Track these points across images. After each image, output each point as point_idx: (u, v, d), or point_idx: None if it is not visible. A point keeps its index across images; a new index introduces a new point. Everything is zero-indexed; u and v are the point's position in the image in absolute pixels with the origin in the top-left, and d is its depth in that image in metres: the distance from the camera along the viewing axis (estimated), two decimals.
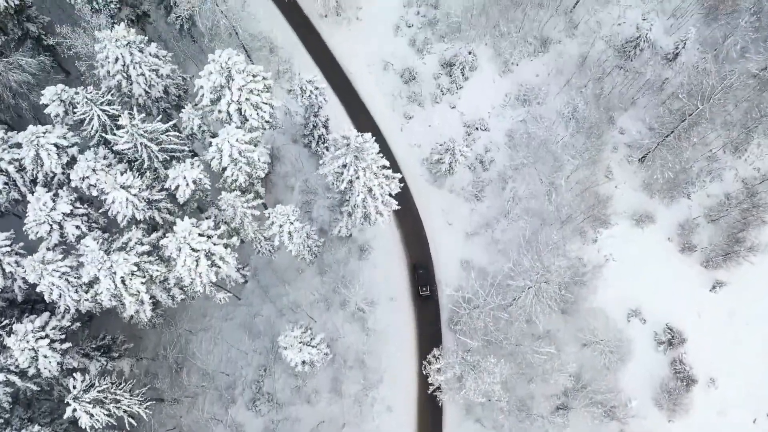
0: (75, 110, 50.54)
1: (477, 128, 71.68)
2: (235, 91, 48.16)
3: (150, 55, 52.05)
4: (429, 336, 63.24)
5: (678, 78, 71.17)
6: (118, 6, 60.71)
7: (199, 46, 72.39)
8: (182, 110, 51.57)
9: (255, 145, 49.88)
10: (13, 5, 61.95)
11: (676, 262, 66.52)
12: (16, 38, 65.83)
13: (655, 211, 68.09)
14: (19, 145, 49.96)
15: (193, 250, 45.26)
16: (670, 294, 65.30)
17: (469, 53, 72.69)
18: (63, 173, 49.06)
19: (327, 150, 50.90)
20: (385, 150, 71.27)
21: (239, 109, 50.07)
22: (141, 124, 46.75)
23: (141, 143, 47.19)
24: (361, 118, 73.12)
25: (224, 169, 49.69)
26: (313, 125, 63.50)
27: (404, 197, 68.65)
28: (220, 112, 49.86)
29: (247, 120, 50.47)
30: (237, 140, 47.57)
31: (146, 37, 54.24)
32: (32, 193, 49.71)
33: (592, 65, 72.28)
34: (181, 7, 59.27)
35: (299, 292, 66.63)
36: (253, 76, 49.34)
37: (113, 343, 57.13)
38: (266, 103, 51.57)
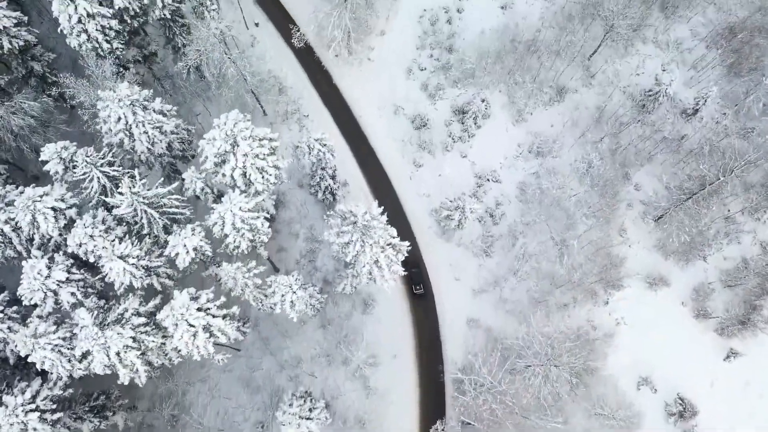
0: (75, 168, 48.97)
1: (488, 179, 69.71)
2: (240, 157, 46.42)
3: (154, 111, 50.43)
4: (433, 400, 61.37)
5: (697, 135, 69.05)
6: (124, 48, 59.02)
7: (206, 84, 70.73)
8: (187, 170, 49.65)
9: (259, 211, 48.07)
10: (17, 46, 60.48)
11: (689, 328, 64.42)
12: (21, 76, 64.41)
13: (670, 273, 65.99)
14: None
15: (191, 325, 43.54)
16: (682, 361, 63.24)
17: (483, 101, 70.82)
18: (60, 235, 47.41)
19: (333, 213, 49.11)
20: (393, 199, 69.74)
21: (244, 173, 48.31)
22: (141, 191, 45.00)
23: (141, 209, 45.43)
24: (370, 164, 71.35)
25: (226, 235, 47.91)
26: (320, 177, 61.69)
27: (411, 249, 66.80)
28: (224, 176, 48.18)
29: (251, 184, 48.67)
30: (240, 209, 45.82)
31: (151, 92, 52.68)
32: (28, 251, 48.22)
33: (609, 118, 70.14)
34: (190, 56, 57.47)
35: (300, 346, 64.91)
36: (260, 140, 47.60)
37: (108, 401, 55.49)
38: (273, 166, 49.79)
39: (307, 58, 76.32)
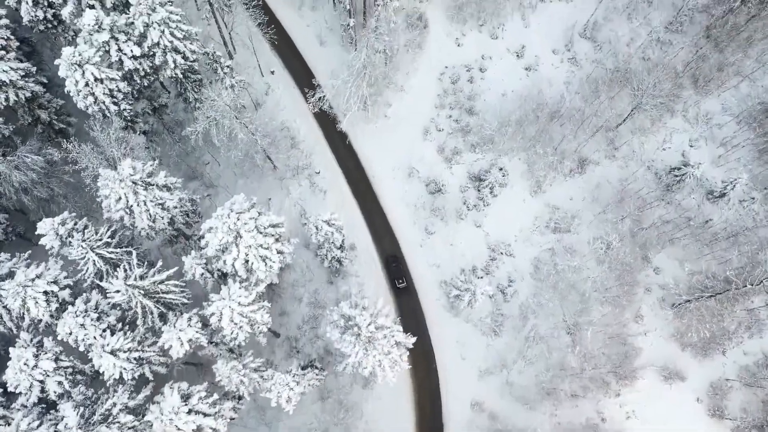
0: (71, 242, 47.03)
1: (502, 253, 67.07)
2: (243, 249, 44.16)
3: (157, 188, 48.32)
4: None
5: (724, 219, 66.07)
6: (132, 104, 57.08)
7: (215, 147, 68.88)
8: (189, 254, 47.48)
9: (259, 301, 45.83)
10: (24, 97, 58.76)
11: (704, 427, 61.53)
12: (27, 123, 62.72)
13: (686, 366, 63.13)
14: (10, 275, 46.53)
15: (180, 429, 41.37)
16: None
17: (500, 169, 68.30)
18: (51, 317, 45.42)
19: (335, 309, 46.78)
20: (403, 267, 67.23)
21: (246, 261, 46.07)
22: (137, 282, 42.85)
23: (136, 301, 43.33)
24: (380, 228, 69.04)
25: (223, 327, 45.72)
26: (328, 249, 59.38)
27: (417, 323, 64.62)
28: (225, 263, 45.89)
29: (253, 272, 46.44)
30: (239, 304, 43.58)
31: (156, 162, 50.65)
32: (18, 327, 46.31)
33: (631, 196, 67.19)
34: (199, 120, 55.37)
35: (298, 418, 62.54)
36: (265, 229, 45.27)
37: None
38: (277, 251, 47.52)
39: (322, 112, 73.90)
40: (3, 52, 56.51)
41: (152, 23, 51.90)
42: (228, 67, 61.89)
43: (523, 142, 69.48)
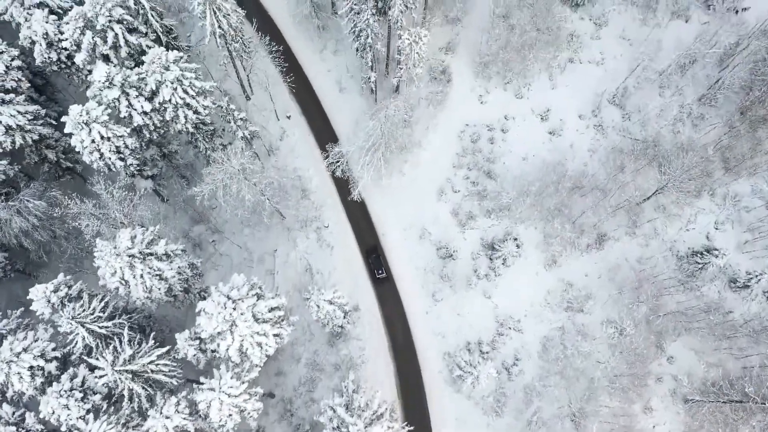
0: (64, 308, 45.38)
1: (510, 328, 64.60)
2: (237, 337, 42.20)
3: (156, 257, 46.46)
4: None
5: (745, 311, 63.13)
6: (140, 157, 55.49)
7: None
8: (180, 333, 45.68)
9: (251, 388, 43.87)
10: (31, 140, 57.38)
11: None
12: (33, 162, 61.35)
13: None
14: None
15: None
16: None
17: (515, 240, 65.90)
18: (36, 390, 43.76)
19: (333, 415, 44.49)
20: (405, 334, 65.53)
21: (241, 347, 44.11)
22: (126, 365, 41.06)
23: (124, 384, 41.53)
24: (387, 291, 66.96)
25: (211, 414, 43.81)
26: (331, 318, 57.34)
27: (417, 395, 62.44)
28: (218, 346, 43.98)
29: (247, 358, 44.48)
30: (229, 396, 41.62)
31: (157, 228, 48.88)
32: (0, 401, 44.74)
33: (650, 280, 64.40)
34: (206, 181, 53.56)
35: None
36: (262, 315, 43.28)
37: None
38: (275, 334, 45.53)
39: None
40: (12, 95, 54.83)
41: (165, 81, 50.06)
42: (241, 119, 60.03)
43: (541, 212, 66.86)
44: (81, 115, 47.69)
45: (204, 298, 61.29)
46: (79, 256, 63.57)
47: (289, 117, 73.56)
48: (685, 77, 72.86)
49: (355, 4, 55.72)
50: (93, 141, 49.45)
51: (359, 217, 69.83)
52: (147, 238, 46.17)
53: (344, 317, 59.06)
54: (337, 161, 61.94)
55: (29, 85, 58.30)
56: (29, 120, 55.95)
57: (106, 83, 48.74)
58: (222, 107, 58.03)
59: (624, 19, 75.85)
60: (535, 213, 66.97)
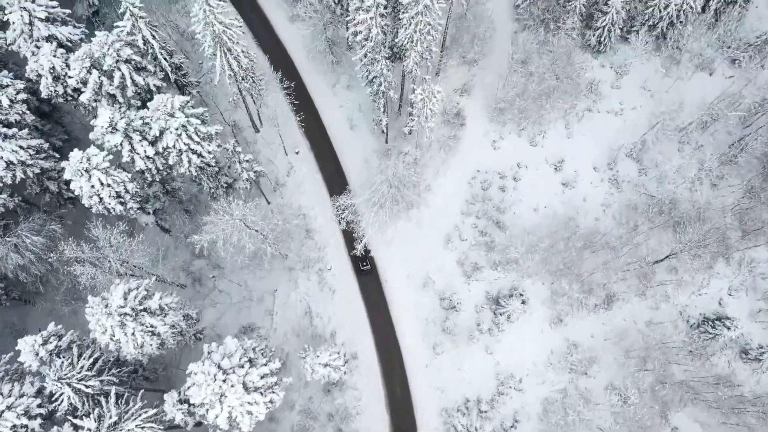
0: (52, 362, 44.23)
1: (511, 387, 62.87)
2: (226, 407, 40.80)
3: (149, 313, 45.19)
4: None
5: (755, 383, 61.05)
6: (140, 201, 54.30)
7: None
8: (168, 393, 44.36)
9: None
10: (33, 174, 56.37)
11: None
12: (35, 193, 60.33)
13: None
14: None
15: None
16: None
17: (521, 295, 64.22)
18: None
19: None
20: (403, 386, 63.99)
21: (230, 415, 42.74)
22: (111, 429, 39.76)
23: None
24: (386, 340, 65.53)
25: None
26: (329, 371, 55.85)
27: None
28: (207, 412, 42.59)
29: (236, 426, 43.09)
30: None
31: (153, 279, 47.64)
32: None
33: (658, 345, 62.46)
34: (206, 230, 52.25)
35: None
36: (254, 383, 41.87)
37: None
38: (267, 400, 44.11)
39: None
40: (15, 129, 53.82)
41: (169, 127, 48.80)
42: (247, 160, 58.74)
43: (549, 269, 65.08)
44: (81, 162, 46.50)
45: (199, 339, 60.29)
46: (76, 289, 62.45)
47: (297, 152, 72.16)
48: (706, 133, 70.78)
49: (369, 52, 54.06)
50: (93, 187, 48.17)
51: (362, 261, 68.20)
52: (141, 293, 44.86)
53: (341, 373, 57.53)
54: (343, 211, 60.37)
55: (34, 117, 57.04)
56: (31, 155, 54.83)
57: (109, 129, 47.46)
58: (228, 149, 56.66)
59: (646, 69, 73.82)
60: (543, 269, 65.14)
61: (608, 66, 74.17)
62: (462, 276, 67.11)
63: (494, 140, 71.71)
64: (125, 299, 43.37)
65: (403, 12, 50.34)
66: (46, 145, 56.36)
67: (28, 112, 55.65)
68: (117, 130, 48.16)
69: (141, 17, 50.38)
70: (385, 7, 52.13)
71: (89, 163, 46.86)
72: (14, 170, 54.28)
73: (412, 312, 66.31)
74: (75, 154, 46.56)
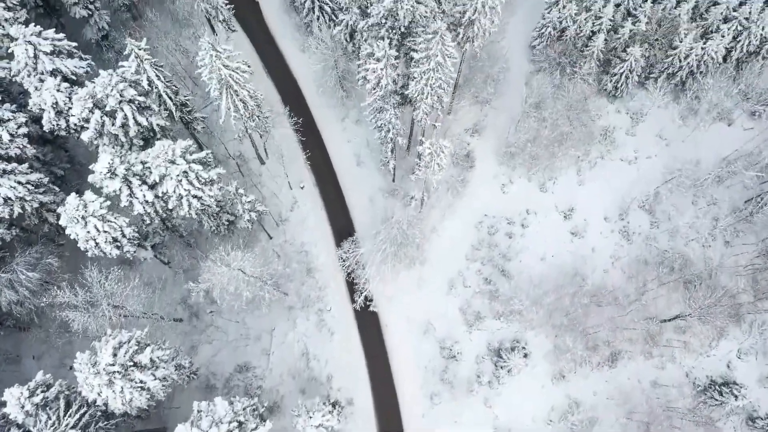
0: (38, 415, 43.18)
1: None
2: None
3: (139, 368, 44.00)
4: None
5: None
6: (137, 245, 53.28)
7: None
8: None
9: None
10: (31, 208, 55.41)
11: None
12: (33, 224, 59.39)
13: None
14: None
15: None
16: None
17: (523, 348, 62.67)
18: None
19: None
20: None
21: None
22: None
23: None
24: (383, 387, 64.22)
25: None
26: (324, 419, 54.55)
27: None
28: None
29: None
30: None
31: (144, 331, 46.46)
32: None
33: (662, 408, 60.74)
34: (202, 279, 51.07)
35: None
36: None
37: None
38: None
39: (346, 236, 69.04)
40: (15, 164, 52.87)
41: (169, 174, 47.64)
42: (249, 202, 57.52)
43: (554, 323, 63.49)
44: (77, 210, 45.38)
45: (193, 379, 59.09)
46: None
47: (302, 187, 70.93)
48: (722, 186, 68.92)
49: (378, 100, 52.71)
50: (88, 232, 47.09)
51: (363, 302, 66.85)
52: (132, 348, 43.70)
53: (335, 421, 56.23)
54: (345, 260, 59.11)
55: (35, 150, 56.11)
56: (30, 190, 53.83)
57: (108, 174, 46.36)
58: (230, 191, 55.48)
59: (663, 116, 72.06)
60: (548, 322, 63.59)
61: (624, 112, 72.44)
62: (464, 324, 65.63)
63: (503, 184, 70.15)
64: (115, 356, 42.23)
65: (414, 66, 48.90)
66: (45, 179, 55.32)
67: (28, 145, 54.56)
68: (116, 175, 47.05)
69: (146, 59, 49.16)
70: (396, 58, 50.70)
71: (86, 210, 45.81)
72: (12, 205, 53.22)
73: (412, 359, 64.88)
74: (71, 200, 45.52)
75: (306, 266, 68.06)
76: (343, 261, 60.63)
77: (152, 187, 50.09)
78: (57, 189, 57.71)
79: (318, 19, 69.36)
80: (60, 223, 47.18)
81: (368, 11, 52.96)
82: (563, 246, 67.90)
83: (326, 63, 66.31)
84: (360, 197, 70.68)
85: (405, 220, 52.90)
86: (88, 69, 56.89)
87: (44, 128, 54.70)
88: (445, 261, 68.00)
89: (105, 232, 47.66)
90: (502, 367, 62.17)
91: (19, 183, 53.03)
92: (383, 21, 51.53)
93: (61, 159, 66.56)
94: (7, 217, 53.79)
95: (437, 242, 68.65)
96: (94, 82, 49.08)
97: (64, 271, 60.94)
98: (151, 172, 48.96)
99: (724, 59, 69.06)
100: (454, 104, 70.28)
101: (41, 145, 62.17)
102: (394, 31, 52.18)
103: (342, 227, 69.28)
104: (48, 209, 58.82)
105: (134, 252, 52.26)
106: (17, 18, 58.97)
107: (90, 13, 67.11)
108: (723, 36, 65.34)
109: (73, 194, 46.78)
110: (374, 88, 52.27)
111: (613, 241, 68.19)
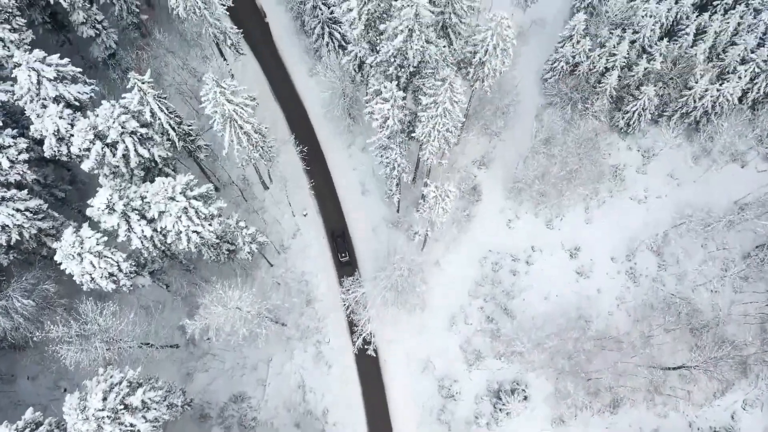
0: None
1: None
2: None
3: (129, 411, 43.17)
4: None
5: None
6: (134, 277, 52.49)
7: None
8: None
9: None
10: (29, 234, 54.72)
11: None
12: (32, 248, 58.71)
13: None
14: None
15: None
16: None
17: (523, 390, 61.49)
18: None
19: None
20: None
21: None
22: None
23: None
24: (379, 425, 62.93)
25: None
26: None
27: None
28: None
29: None
30: None
31: (137, 372, 45.61)
32: None
33: None
34: (198, 317, 50.23)
35: None
36: None
37: None
38: None
39: (348, 268, 68.12)
40: (15, 190, 52.18)
41: (168, 211, 46.79)
42: (250, 234, 56.64)
43: (555, 366, 62.24)
44: (73, 247, 44.58)
45: (186, 410, 58.23)
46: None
47: (305, 214, 69.99)
48: (733, 230, 67.52)
49: (383, 138, 51.67)
50: (84, 268, 46.30)
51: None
52: (123, 391, 42.88)
53: None
54: (345, 300, 58.20)
55: (35, 177, 55.41)
56: (28, 217, 53.12)
57: (107, 210, 45.55)
58: (230, 224, 54.59)
59: (675, 155, 70.80)
60: (549, 364, 62.39)
61: (635, 149, 71.20)
62: (464, 362, 64.55)
63: (509, 219, 69.01)
64: (104, 399, 41.42)
65: (422, 110, 47.84)
66: (45, 206, 54.54)
67: (28, 171, 53.83)
68: (114, 210, 46.20)
69: (149, 92, 48.32)
70: (404, 98, 49.65)
71: (81, 247, 44.99)
72: (9, 233, 52.52)
73: (410, 397, 63.85)
74: (67, 236, 44.77)
75: (306, 296, 67.15)
76: (344, 300, 59.48)
77: (151, 221, 49.22)
78: (56, 215, 56.96)
79: (327, 45, 68.35)
80: (55, 258, 46.18)
81: (377, 47, 51.86)
82: (568, 286, 66.70)
83: (334, 91, 65.36)
84: (363, 227, 69.71)
85: (406, 268, 51.67)
86: (92, 95, 56.09)
87: (45, 154, 53.95)
88: (447, 297, 66.99)
89: (101, 267, 46.78)
90: (501, 410, 61.03)
91: (18, 210, 52.31)
92: (392, 59, 50.44)
93: (63, 178, 65.99)
94: (4, 244, 53.01)
95: (440, 277, 67.60)
96: (96, 113, 48.28)
97: (61, 296, 60.11)
98: (150, 207, 48.08)
99: (740, 100, 67.63)
100: (462, 136, 69.07)
101: (42, 166, 61.44)
102: (403, 70, 51.07)
103: (344, 261, 68.21)
104: (47, 234, 58.07)
105: (131, 285, 51.36)
106: (23, 39, 58.28)
107: (98, 32, 66.29)
108: (740, 78, 63.94)
109: (69, 229, 46.00)
110: (381, 127, 51.20)
111: (619, 283, 66.91)
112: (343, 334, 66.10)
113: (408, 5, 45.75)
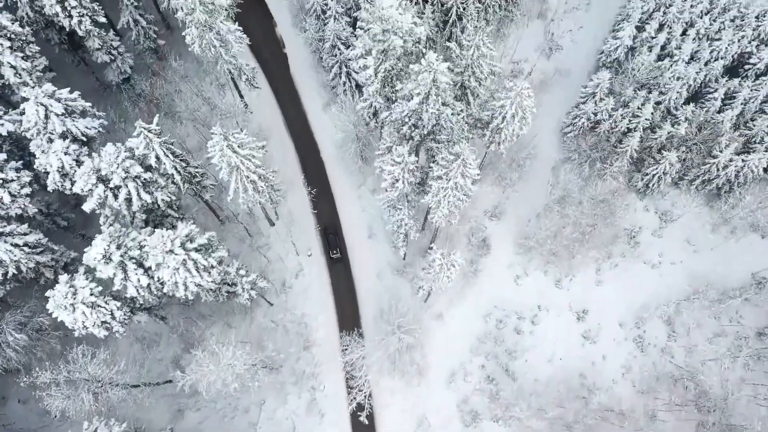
0: None
1: None
2: None
3: None
4: None
5: None
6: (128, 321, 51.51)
7: None
8: None
9: None
10: (27, 268, 53.93)
11: None
12: (29, 278, 57.98)
13: None
14: None
15: None
16: None
17: None
18: None
19: None
20: None
21: None
22: None
23: None
24: None
25: None
26: None
27: None
28: None
29: None
30: None
31: (122, 428, 44.47)
32: None
33: None
34: (189, 371, 49.08)
35: None
36: None
37: None
38: None
39: (349, 316, 66.78)
40: (14, 225, 51.36)
41: (167, 263, 45.67)
42: (249, 282, 55.48)
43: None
44: (66, 298, 43.58)
45: None
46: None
47: (310, 255, 68.66)
48: (747, 304, 65.25)
49: (393, 199, 50.24)
50: (75, 319, 45.34)
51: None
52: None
53: None
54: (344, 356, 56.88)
55: (36, 210, 54.60)
56: (26, 252, 52.30)
57: (103, 260, 44.52)
58: (230, 273, 53.42)
59: (694, 220, 68.61)
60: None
61: (653, 210, 69.11)
62: (460, 422, 62.96)
63: (518, 275, 67.24)
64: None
65: (433, 179, 46.30)
66: (44, 240, 53.73)
67: (30, 204, 53.02)
68: (111, 260, 45.11)
69: (155, 140, 47.22)
70: (416, 162, 48.15)
71: (74, 298, 43.98)
72: (6, 267, 51.76)
73: None
74: (60, 289, 43.84)
75: (304, 339, 65.87)
76: (343, 362, 58.13)
77: (148, 269, 48.14)
78: (55, 247, 56.18)
79: (344, 84, 67.03)
80: (47, 306, 45.23)
81: (392, 103, 50.40)
82: (573, 349, 64.87)
83: (347, 134, 64.03)
84: (368, 271, 68.28)
85: (405, 345, 50.27)
86: (100, 129, 55.18)
87: (48, 188, 53.12)
88: (447, 351, 65.38)
89: (94, 317, 45.78)
90: None
91: (15, 246, 51.50)
92: (407, 119, 48.95)
93: (68, 202, 65.24)
94: (0, 278, 52.29)
95: (442, 331, 66.03)
96: (100, 155, 47.28)
97: (56, 327, 59.23)
98: (148, 257, 46.99)
99: (765, 170, 65.35)
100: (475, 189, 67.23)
101: (47, 194, 60.71)
102: (417, 130, 49.56)
103: (346, 302, 66.94)
104: (45, 266, 57.31)
105: (123, 332, 50.36)
106: (36, 66, 57.54)
107: (113, 57, 65.40)
108: (767, 150, 61.75)
109: (62, 281, 45.10)
110: (390, 187, 49.73)
111: (626, 350, 64.97)
112: (339, 384, 64.62)
113: (426, 70, 44.29)
